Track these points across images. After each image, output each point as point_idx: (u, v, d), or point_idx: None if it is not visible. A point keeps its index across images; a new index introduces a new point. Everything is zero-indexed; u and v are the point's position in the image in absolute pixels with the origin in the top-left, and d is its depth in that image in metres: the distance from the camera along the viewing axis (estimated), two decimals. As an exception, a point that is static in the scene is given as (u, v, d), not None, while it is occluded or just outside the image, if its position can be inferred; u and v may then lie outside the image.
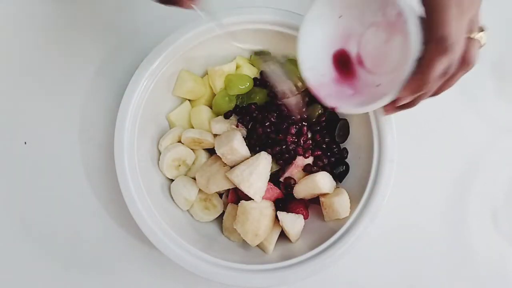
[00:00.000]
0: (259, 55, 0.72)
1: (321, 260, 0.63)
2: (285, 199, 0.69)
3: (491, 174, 0.77)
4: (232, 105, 0.70)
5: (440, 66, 0.49)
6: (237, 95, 0.71)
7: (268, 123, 0.68)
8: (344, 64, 0.62)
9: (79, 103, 0.75)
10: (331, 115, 0.72)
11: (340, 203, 0.65)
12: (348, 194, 0.67)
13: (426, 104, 0.77)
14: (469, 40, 0.50)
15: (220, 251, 0.66)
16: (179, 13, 0.77)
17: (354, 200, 0.66)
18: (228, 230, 0.70)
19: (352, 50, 0.61)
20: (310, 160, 0.69)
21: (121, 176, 0.64)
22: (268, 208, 0.66)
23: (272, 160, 0.67)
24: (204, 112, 0.70)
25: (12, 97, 0.75)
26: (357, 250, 0.65)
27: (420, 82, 0.51)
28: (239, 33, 0.69)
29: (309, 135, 0.70)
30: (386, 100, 0.55)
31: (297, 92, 0.70)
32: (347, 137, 0.72)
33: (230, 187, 0.67)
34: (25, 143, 0.74)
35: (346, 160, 0.71)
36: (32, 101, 0.75)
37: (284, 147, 0.67)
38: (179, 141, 0.71)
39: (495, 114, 0.78)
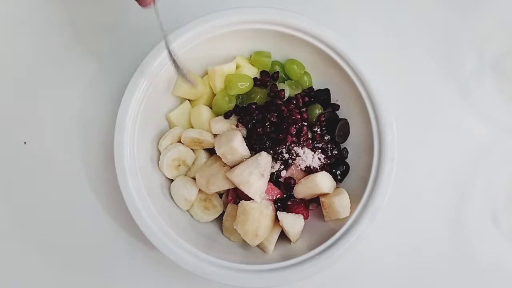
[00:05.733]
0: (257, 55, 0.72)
1: (321, 260, 0.63)
2: (285, 199, 0.69)
3: (492, 174, 0.77)
4: (232, 105, 0.70)
5: None
6: (237, 95, 0.71)
7: (268, 123, 0.68)
8: None
9: (79, 103, 0.75)
10: (331, 115, 0.72)
11: (340, 203, 0.65)
12: (348, 194, 0.67)
13: (426, 104, 0.78)
14: None
15: (220, 251, 0.66)
16: (178, 14, 0.77)
17: (354, 200, 0.66)
18: (228, 230, 0.70)
19: None
20: (310, 160, 0.69)
21: (121, 176, 0.64)
22: (268, 208, 0.66)
23: (272, 160, 0.67)
24: (204, 112, 0.70)
25: (12, 97, 0.75)
26: (357, 250, 0.65)
27: None
28: (239, 33, 0.69)
29: (309, 135, 0.70)
30: None
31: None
32: (347, 137, 0.72)
33: (230, 187, 0.67)
34: (25, 143, 0.74)
35: (346, 160, 0.71)
36: (32, 101, 0.75)
37: (284, 147, 0.67)
38: (179, 141, 0.71)
39: (495, 114, 0.78)
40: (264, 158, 0.66)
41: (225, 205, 0.70)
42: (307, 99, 0.71)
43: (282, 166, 0.69)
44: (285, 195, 0.69)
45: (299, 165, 0.69)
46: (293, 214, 0.67)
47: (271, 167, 0.67)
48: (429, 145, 0.77)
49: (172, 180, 0.71)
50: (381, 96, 0.67)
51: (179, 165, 0.70)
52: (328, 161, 0.70)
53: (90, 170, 0.74)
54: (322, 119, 0.70)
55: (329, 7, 0.79)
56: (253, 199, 0.65)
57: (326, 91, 0.72)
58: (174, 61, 0.64)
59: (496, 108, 0.78)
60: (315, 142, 0.70)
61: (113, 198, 0.72)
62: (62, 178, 0.74)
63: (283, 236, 0.69)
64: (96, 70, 0.76)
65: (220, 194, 0.71)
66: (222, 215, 0.71)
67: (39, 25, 0.77)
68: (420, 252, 0.75)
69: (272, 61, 0.73)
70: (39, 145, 0.74)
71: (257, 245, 0.68)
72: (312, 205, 0.71)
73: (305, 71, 0.73)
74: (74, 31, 0.77)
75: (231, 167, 0.67)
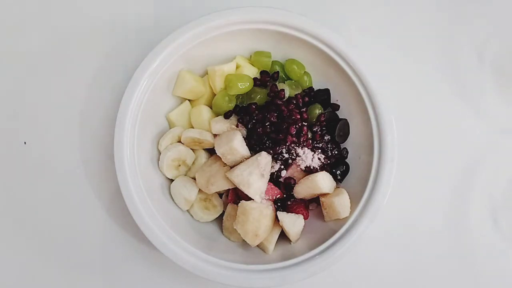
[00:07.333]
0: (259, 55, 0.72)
1: (321, 260, 0.63)
2: (285, 199, 0.69)
3: (491, 174, 0.77)
4: (232, 105, 0.70)
5: None
6: (237, 95, 0.71)
7: (268, 123, 0.68)
8: None
9: (79, 103, 0.75)
10: (331, 115, 0.72)
11: (340, 203, 0.65)
12: (348, 194, 0.67)
13: (426, 104, 0.78)
14: None
15: (220, 251, 0.66)
16: (179, 13, 0.77)
17: (354, 200, 0.66)
18: (228, 230, 0.70)
19: None
20: (310, 160, 0.69)
21: (121, 176, 0.64)
22: (268, 208, 0.66)
23: (272, 160, 0.67)
24: (204, 112, 0.70)
25: (12, 97, 0.75)
26: (357, 250, 0.65)
27: None
28: (239, 33, 0.69)
29: (309, 135, 0.70)
30: None
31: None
32: (347, 137, 0.72)
33: (230, 187, 0.67)
34: (25, 143, 0.74)
35: (346, 160, 0.71)
36: (32, 101, 0.75)
37: (284, 147, 0.67)
38: (179, 141, 0.71)
39: (495, 114, 0.78)
40: (264, 158, 0.66)
41: (225, 205, 0.70)
42: (307, 99, 0.71)
43: (282, 166, 0.69)
44: (285, 195, 0.69)
45: (299, 165, 0.69)
46: (293, 214, 0.67)
47: (271, 167, 0.67)
48: (429, 145, 0.77)
49: (172, 180, 0.71)
50: (381, 96, 0.67)
51: (179, 165, 0.70)
52: (328, 161, 0.70)
53: (90, 170, 0.74)
54: (322, 119, 0.70)
55: (329, 7, 0.79)
56: (253, 199, 0.65)
57: (326, 91, 0.72)
58: None
59: (496, 108, 0.78)
60: (315, 142, 0.70)
61: (113, 198, 0.72)
62: (62, 178, 0.74)
63: (283, 236, 0.69)
64: (96, 70, 0.76)
65: (220, 194, 0.71)
66: (222, 215, 0.71)
67: (39, 25, 0.77)
68: (420, 252, 0.75)
69: (272, 61, 0.73)
70: (39, 145, 0.74)
71: (257, 245, 0.68)
72: (312, 205, 0.71)
73: (305, 71, 0.73)
74: (74, 31, 0.77)
75: (231, 167, 0.67)
